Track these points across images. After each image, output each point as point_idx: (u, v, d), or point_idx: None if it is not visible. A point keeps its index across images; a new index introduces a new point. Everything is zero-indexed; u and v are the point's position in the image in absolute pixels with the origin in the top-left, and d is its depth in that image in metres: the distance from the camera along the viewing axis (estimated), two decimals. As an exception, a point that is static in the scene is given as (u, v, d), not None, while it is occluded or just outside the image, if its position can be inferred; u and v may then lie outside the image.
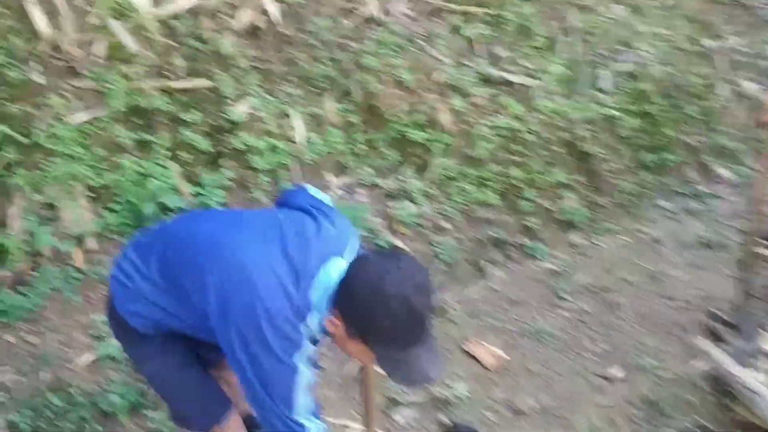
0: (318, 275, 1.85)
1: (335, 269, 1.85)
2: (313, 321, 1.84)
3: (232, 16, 4.15)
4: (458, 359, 3.62)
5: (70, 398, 3.12)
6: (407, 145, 4.48)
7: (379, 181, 4.35)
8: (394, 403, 3.27)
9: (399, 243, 4.17)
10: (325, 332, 1.89)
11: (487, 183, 4.57)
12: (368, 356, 1.82)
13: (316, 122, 4.24)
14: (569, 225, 4.78)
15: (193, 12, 4.04)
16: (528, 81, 4.92)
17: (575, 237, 4.72)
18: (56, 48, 3.70)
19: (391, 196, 4.35)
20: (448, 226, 4.40)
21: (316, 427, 1.92)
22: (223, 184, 3.84)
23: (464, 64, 4.81)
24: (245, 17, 4.17)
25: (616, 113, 5.06)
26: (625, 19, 5.60)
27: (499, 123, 4.67)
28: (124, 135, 3.67)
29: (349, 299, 1.75)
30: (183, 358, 2.22)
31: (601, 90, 5.16)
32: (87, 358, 3.25)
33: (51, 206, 3.50)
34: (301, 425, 1.89)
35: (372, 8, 4.63)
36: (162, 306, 2.03)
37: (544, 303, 4.08)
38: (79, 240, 3.49)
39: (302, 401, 1.87)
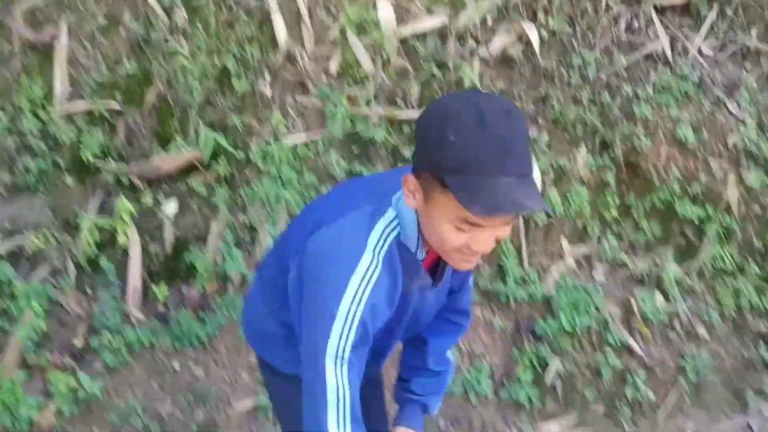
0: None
1: None
2: (386, 220, 1.45)
3: (484, 41, 3.59)
4: None
5: (219, 446, 2.91)
6: (673, 220, 3.58)
7: (627, 259, 3.53)
8: None
9: (634, 344, 3.33)
10: (401, 242, 1.46)
11: (775, 287, 3.50)
12: (450, 209, 1.31)
13: (558, 176, 3.54)
14: None
15: (440, 33, 3.55)
16: None
17: None
18: (291, 60, 3.48)
19: (638, 281, 3.51)
20: (705, 334, 3.44)
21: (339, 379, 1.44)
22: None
23: (774, 126, 3.72)
24: (499, 43, 3.59)
25: None
26: None
27: (809, 210, 3.54)
28: (336, 163, 3.35)
29: (417, 138, 1.38)
30: None
31: None
32: (246, 404, 3.00)
33: (252, 228, 3.31)
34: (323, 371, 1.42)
35: (661, 44, 3.75)
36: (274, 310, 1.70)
37: (826, 475, 2.98)
38: (270, 270, 3.25)
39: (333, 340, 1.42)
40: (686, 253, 3.56)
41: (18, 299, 3.01)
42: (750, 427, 3.24)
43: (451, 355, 1.94)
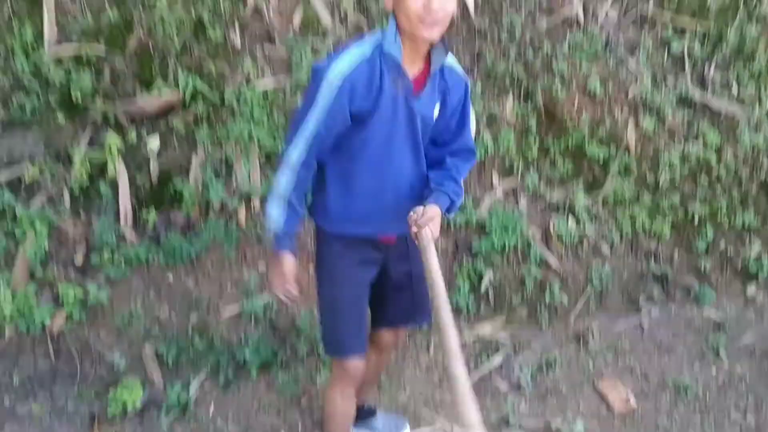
0: None
1: None
2: (371, 38, 2.15)
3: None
4: (586, 395, 3.45)
5: (211, 343, 3.39)
6: (583, 158, 4.26)
7: (545, 191, 4.19)
8: (506, 423, 3.20)
9: (551, 259, 4.01)
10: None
11: (663, 214, 4.25)
12: None
13: (490, 120, 4.15)
14: (748, 276, 4.33)
15: (391, -7, 4.05)
16: (735, 110, 4.45)
17: (753, 290, 4.27)
18: (259, 14, 3.90)
19: (554, 208, 4.18)
20: (607, 251, 4.16)
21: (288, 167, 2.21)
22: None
23: (665, 82, 4.45)
24: (441, 4, 4.13)
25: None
26: None
27: (691, 151, 4.30)
28: (303, 106, 3.81)
29: None
30: (358, 290, 2.39)
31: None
32: (232, 309, 3.48)
33: (227, 163, 3.74)
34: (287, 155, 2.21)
35: (575, 9, 4.40)
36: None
37: (696, 356, 3.76)
38: (246, 199, 3.71)
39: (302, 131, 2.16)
40: (593, 186, 4.26)
41: (21, 223, 3.35)
42: (641, 326, 3.99)
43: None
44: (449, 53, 2.22)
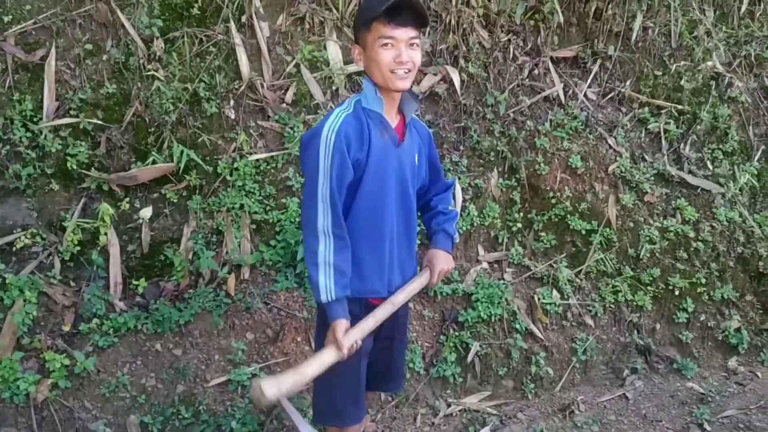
0: None
1: None
2: (350, 99, 2.34)
3: (415, 80, 4.29)
4: (573, 469, 3.45)
5: (197, 413, 3.36)
6: (566, 231, 4.37)
7: (529, 263, 4.27)
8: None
9: (537, 331, 4.06)
10: (363, 107, 2.32)
11: (644, 286, 4.34)
12: (374, 38, 2.20)
13: (476, 193, 4.26)
14: (729, 348, 4.40)
15: (380, 72, 4.22)
16: (711, 186, 4.62)
17: (734, 363, 4.33)
18: (253, 89, 4.03)
19: (538, 280, 4.26)
20: (591, 323, 4.22)
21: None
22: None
23: (643, 159, 4.62)
24: (427, 82, 4.30)
25: (807, 237, 4.62)
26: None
27: (669, 226, 4.43)
28: (293, 178, 3.91)
29: (353, 27, 2.32)
30: (356, 357, 2.35)
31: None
32: (219, 379, 3.46)
33: (218, 232, 3.80)
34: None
35: (556, 89, 4.59)
36: None
37: (681, 429, 3.77)
38: (235, 268, 3.75)
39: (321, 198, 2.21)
40: (576, 259, 4.35)
41: (10, 290, 3.35)
42: (626, 397, 4.02)
43: (453, 207, 2.75)
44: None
